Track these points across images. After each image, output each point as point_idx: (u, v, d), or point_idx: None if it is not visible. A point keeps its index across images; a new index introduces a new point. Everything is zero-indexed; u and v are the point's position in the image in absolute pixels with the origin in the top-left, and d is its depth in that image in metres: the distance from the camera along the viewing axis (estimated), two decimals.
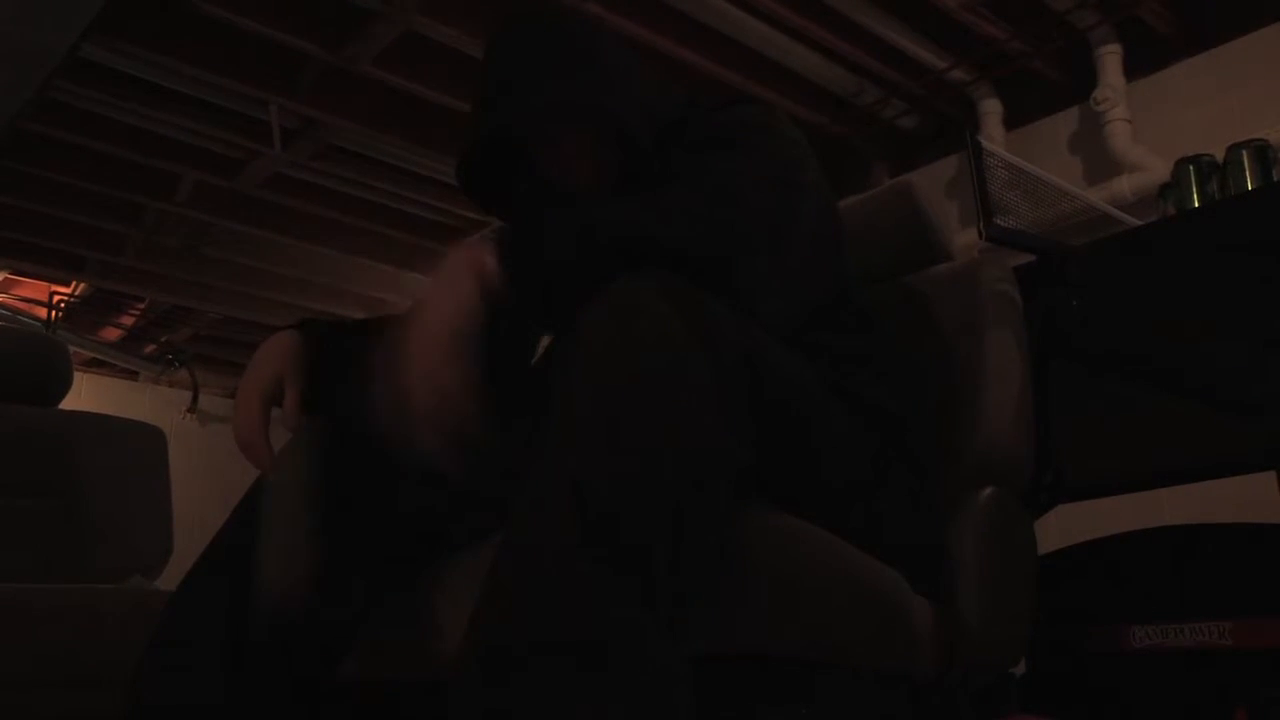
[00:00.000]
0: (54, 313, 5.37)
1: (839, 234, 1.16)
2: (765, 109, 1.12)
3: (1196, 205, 2.66)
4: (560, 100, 1.10)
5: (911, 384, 1.18)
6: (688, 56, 3.46)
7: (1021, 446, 1.19)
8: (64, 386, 2.26)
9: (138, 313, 5.63)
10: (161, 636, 0.97)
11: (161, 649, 0.97)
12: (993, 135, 3.68)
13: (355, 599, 1.02)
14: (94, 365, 6.00)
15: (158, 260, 4.80)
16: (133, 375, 6.19)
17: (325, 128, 3.84)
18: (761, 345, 0.89)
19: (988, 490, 1.14)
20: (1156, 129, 3.39)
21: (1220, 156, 2.66)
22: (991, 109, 3.72)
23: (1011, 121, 3.77)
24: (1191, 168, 2.69)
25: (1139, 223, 2.34)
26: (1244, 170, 2.56)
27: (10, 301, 5.37)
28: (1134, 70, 3.45)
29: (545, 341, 1.23)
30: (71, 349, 2.71)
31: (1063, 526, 1.81)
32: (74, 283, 5.23)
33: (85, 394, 5.66)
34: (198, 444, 5.66)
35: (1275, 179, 2.55)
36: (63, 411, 2.21)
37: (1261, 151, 2.56)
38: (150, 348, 6.00)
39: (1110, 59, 3.43)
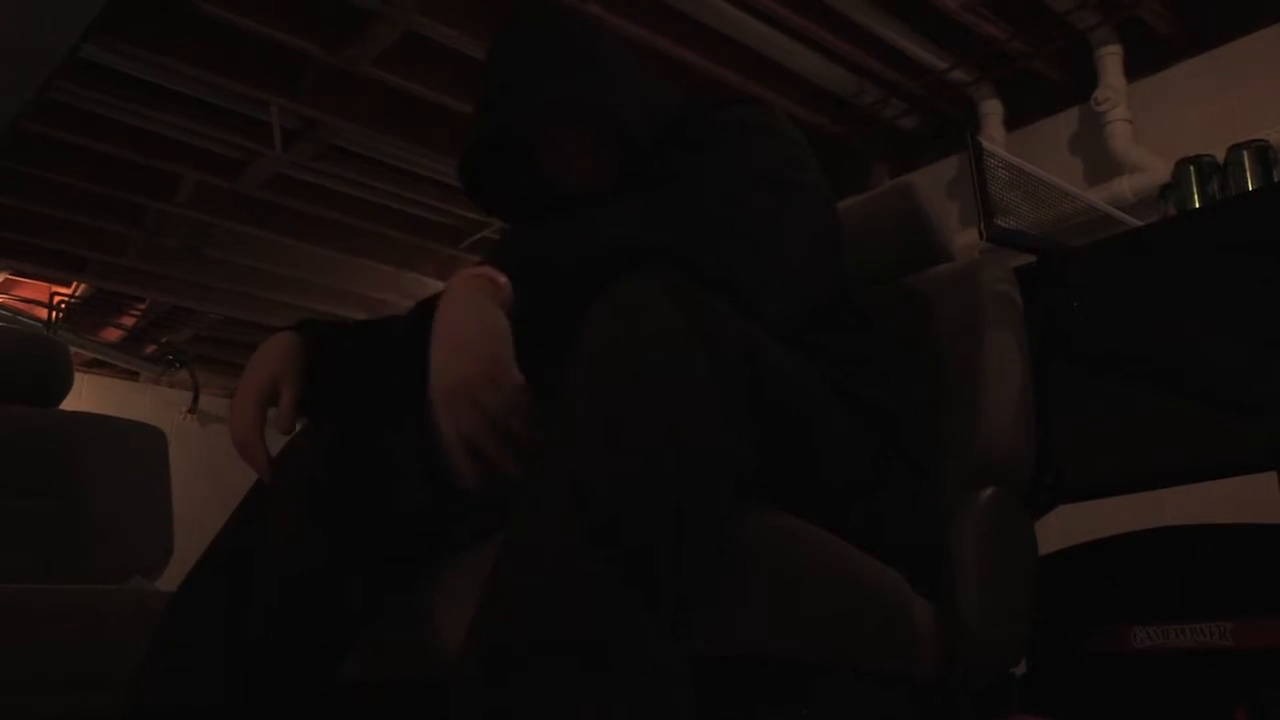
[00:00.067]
0: (55, 313, 5.37)
1: (839, 234, 1.17)
2: (765, 109, 1.12)
3: (1197, 206, 2.66)
4: (560, 100, 1.10)
5: (912, 384, 1.18)
6: (687, 56, 3.46)
7: (1022, 447, 1.19)
8: (65, 387, 2.26)
9: (138, 313, 5.64)
10: (162, 637, 0.97)
11: (162, 649, 0.97)
12: (993, 136, 3.68)
13: (355, 599, 1.02)
14: (95, 366, 6.01)
15: (158, 261, 4.80)
16: (133, 376, 6.19)
17: (326, 128, 3.84)
18: (762, 345, 0.89)
19: (988, 491, 1.14)
20: (1157, 129, 3.39)
21: (1221, 157, 2.66)
22: (992, 109, 3.72)
23: (1012, 122, 3.77)
24: (1192, 168, 2.69)
25: (1139, 223, 2.35)
26: (1244, 171, 2.56)
27: (11, 302, 5.37)
28: (1134, 71, 3.45)
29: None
30: (72, 349, 2.71)
31: (1063, 527, 1.81)
32: (75, 283, 5.23)
33: (86, 395, 5.67)
34: (198, 445, 5.66)
35: (1276, 179, 2.55)
36: (63, 412, 2.21)
37: (1262, 152, 2.56)
38: (151, 348, 6.00)
39: (1111, 59, 3.43)
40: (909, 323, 1.28)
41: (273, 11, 3.25)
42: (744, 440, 0.83)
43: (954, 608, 1.06)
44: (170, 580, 1.39)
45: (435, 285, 4.81)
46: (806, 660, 0.91)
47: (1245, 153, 2.57)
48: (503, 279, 0.87)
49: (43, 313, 5.36)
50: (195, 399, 6.21)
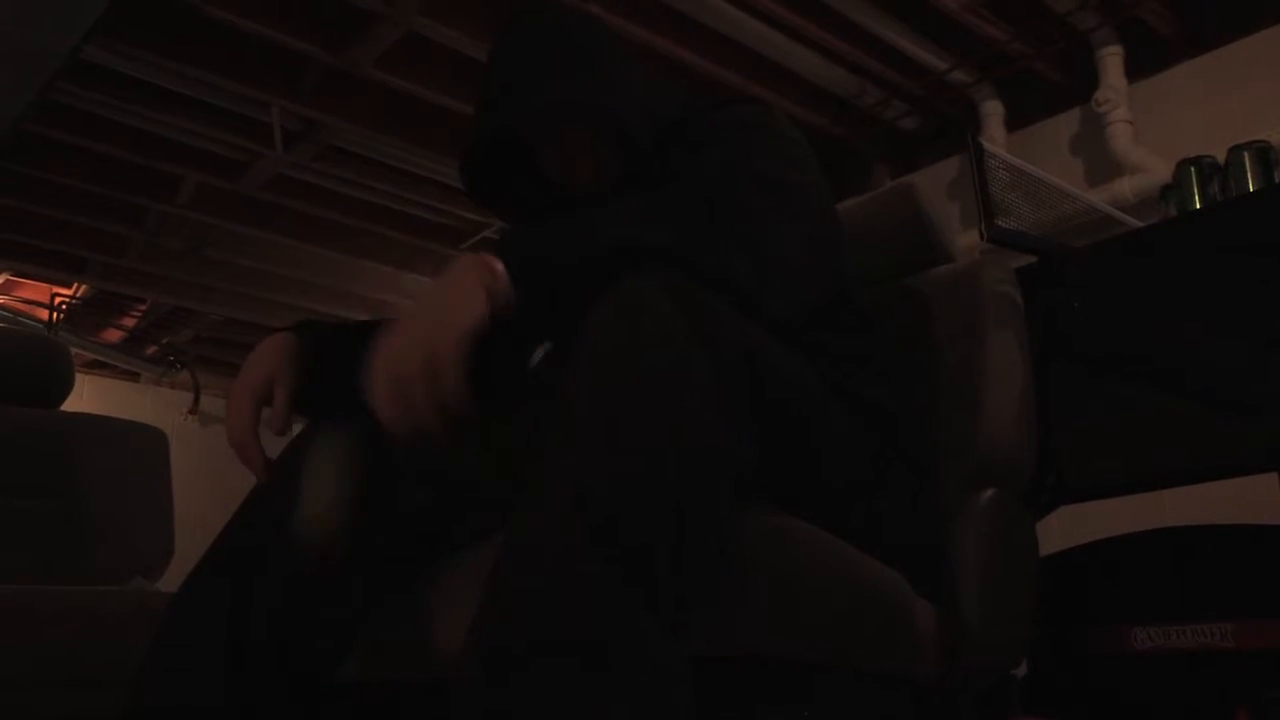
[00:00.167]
0: (55, 314, 5.37)
1: (839, 234, 1.17)
2: (764, 109, 1.12)
3: (1198, 207, 2.66)
4: (560, 100, 1.10)
5: (912, 384, 1.18)
6: (687, 57, 3.46)
7: (1023, 448, 1.19)
8: (65, 388, 2.26)
9: (139, 314, 5.64)
10: (163, 638, 0.97)
11: (163, 650, 0.97)
12: (994, 137, 3.68)
13: (355, 599, 1.02)
14: (95, 367, 6.01)
15: (159, 262, 4.80)
16: (134, 377, 6.19)
17: (327, 129, 3.84)
18: (762, 345, 0.89)
19: (989, 492, 1.14)
20: (1158, 130, 3.39)
21: (1221, 158, 2.66)
22: (993, 110, 3.72)
23: (1013, 123, 3.77)
24: (1193, 169, 2.69)
25: (1140, 224, 2.35)
26: (1245, 172, 2.55)
27: (12, 303, 5.38)
28: (1135, 72, 3.45)
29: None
30: (73, 350, 2.71)
31: (1064, 528, 1.80)
32: (76, 284, 5.23)
33: (87, 395, 5.67)
34: (199, 445, 5.65)
35: (1276, 180, 2.55)
36: (64, 413, 2.21)
37: (1263, 153, 2.56)
38: (152, 349, 6.00)
39: (1112, 60, 3.43)
40: (910, 323, 1.28)
41: (274, 13, 3.25)
42: (744, 440, 0.83)
43: (955, 608, 1.06)
44: (171, 581, 1.39)
45: None
46: (806, 660, 0.91)
47: (1246, 154, 2.57)
48: (499, 266, 0.87)
49: (44, 314, 5.36)
50: (196, 400, 6.21)
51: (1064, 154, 3.67)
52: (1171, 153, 2.95)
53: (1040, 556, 1.21)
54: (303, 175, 4.19)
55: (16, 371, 2.17)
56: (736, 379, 0.83)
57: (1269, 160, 2.55)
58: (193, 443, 5.65)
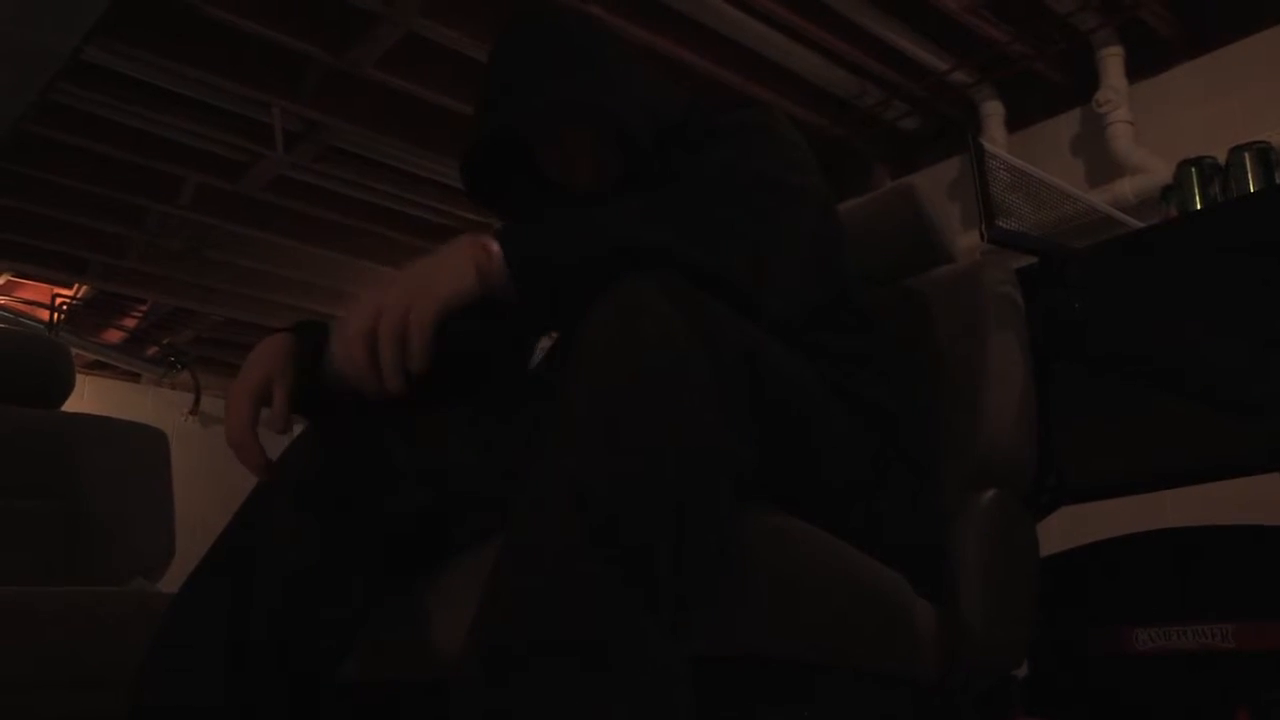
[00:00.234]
0: (56, 315, 5.37)
1: (838, 234, 1.17)
2: (765, 110, 1.12)
3: (1198, 207, 2.65)
4: (561, 100, 1.10)
5: (912, 385, 1.18)
6: (687, 57, 3.46)
7: (1023, 448, 1.19)
8: (66, 388, 2.26)
9: (140, 315, 5.64)
10: (163, 638, 0.97)
11: (163, 651, 0.97)
12: (995, 137, 3.68)
13: (355, 599, 1.01)
14: (96, 367, 6.01)
15: (160, 263, 4.80)
16: (135, 377, 6.19)
17: (328, 130, 3.84)
18: (762, 345, 0.89)
19: (990, 492, 1.14)
20: (1158, 131, 3.39)
21: (1222, 158, 2.65)
22: (993, 111, 3.72)
23: (1013, 123, 3.77)
24: (1193, 170, 2.69)
25: (1141, 225, 2.35)
26: (1246, 172, 2.55)
27: (12, 304, 5.38)
28: (1136, 72, 3.45)
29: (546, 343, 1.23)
30: (74, 351, 2.71)
31: (1065, 528, 1.80)
32: (76, 285, 5.23)
33: (88, 396, 5.67)
34: (200, 446, 5.65)
35: (1277, 181, 2.55)
36: (65, 413, 2.21)
37: (1263, 153, 2.55)
38: (152, 350, 6.00)
39: (1112, 61, 3.43)
40: (910, 323, 1.28)
41: (274, 13, 3.25)
42: (744, 440, 0.83)
43: (955, 609, 1.06)
44: (171, 582, 1.39)
45: None
46: (806, 660, 0.91)
47: (1247, 154, 2.57)
48: (495, 247, 0.88)
49: (44, 314, 5.36)
50: (197, 400, 6.21)
51: (1064, 154, 3.67)
52: (1172, 153, 2.95)
53: (1041, 557, 1.21)
54: (303, 176, 4.19)
55: (17, 372, 2.17)
56: (736, 379, 0.83)
57: (1269, 161, 2.55)
58: (193, 443, 5.64)
